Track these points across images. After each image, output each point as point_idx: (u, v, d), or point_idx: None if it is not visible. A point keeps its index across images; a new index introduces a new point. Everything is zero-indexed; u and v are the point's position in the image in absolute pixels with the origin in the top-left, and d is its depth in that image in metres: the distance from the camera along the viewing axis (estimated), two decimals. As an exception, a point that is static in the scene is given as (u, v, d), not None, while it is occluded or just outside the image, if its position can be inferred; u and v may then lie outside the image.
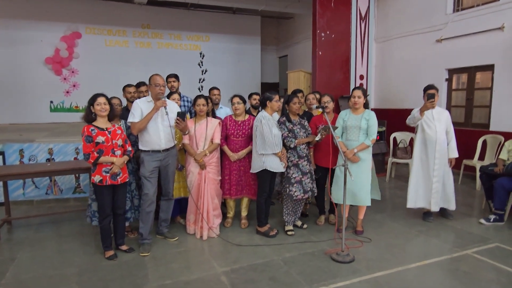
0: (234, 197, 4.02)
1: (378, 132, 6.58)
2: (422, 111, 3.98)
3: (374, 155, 6.30)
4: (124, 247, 3.45)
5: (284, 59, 11.78)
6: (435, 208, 4.12)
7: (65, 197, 5.11)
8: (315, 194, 3.90)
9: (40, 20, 9.01)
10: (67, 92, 9.56)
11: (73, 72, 9.56)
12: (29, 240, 3.79)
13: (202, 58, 10.86)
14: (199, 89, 10.76)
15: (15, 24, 8.81)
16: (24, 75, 9.02)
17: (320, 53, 7.11)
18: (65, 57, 9.37)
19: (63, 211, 4.58)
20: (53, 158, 5.10)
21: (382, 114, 7.71)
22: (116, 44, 9.87)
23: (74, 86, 9.59)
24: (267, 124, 3.60)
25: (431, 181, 4.08)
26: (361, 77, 7.70)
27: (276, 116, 4.21)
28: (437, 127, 4.04)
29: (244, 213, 4.14)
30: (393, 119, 7.37)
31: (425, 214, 4.31)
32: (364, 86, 7.72)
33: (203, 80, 10.87)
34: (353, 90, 3.80)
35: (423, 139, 4.12)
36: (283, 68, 11.64)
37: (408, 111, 7.45)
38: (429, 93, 3.92)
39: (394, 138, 6.39)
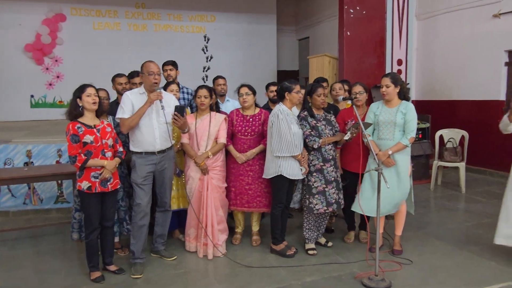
0: (240, 209, 3.99)
1: (421, 129, 6.48)
2: (510, 115, 3.41)
3: (415, 158, 6.25)
4: (112, 268, 3.45)
5: (305, 41, 11.70)
6: None
7: (45, 208, 5.19)
8: (342, 207, 3.84)
9: (18, 1, 9.18)
10: (50, 84, 9.70)
11: (56, 61, 9.70)
12: (3, 258, 3.84)
13: (207, 43, 10.87)
14: (203, 79, 10.76)
15: (-12, 6, 9.00)
16: (1, 65, 9.20)
17: (348, 33, 7.03)
18: (47, 43, 9.48)
19: (42, 224, 4.65)
20: (32, 162, 5.19)
21: (426, 108, 7.59)
22: (106, 27, 9.97)
23: (57, 77, 9.73)
24: (285, 119, 3.56)
25: None
26: (399, 62, 7.59)
27: (296, 110, 4.17)
28: None
29: (255, 227, 4.11)
30: (439, 113, 7.23)
31: None
32: (403, 73, 7.62)
33: (208, 68, 10.89)
34: (381, 78, 3.71)
35: None
36: (303, 53, 11.54)
37: (458, 103, 7.25)
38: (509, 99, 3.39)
39: (441, 137, 6.27)
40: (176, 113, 3.37)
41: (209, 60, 10.93)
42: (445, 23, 7.37)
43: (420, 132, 6.46)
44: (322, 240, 3.98)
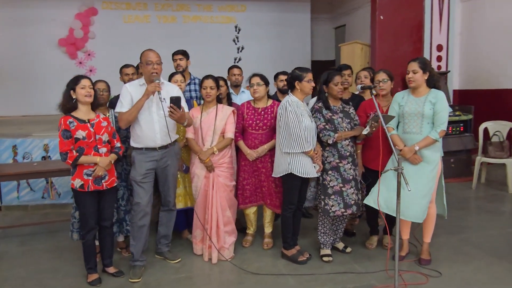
0: (250, 205, 3.70)
1: (462, 121, 5.90)
2: None
3: (455, 153, 5.70)
4: (111, 270, 3.27)
5: (341, 30, 11.14)
6: None
7: (63, 202, 5.15)
8: (362, 209, 3.45)
9: (51, -4, 9.32)
10: (84, 78, 9.83)
11: (89, 55, 9.80)
12: (9, 255, 3.78)
13: (238, 33, 10.60)
14: (234, 71, 10.54)
15: (23, 2, 9.19)
16: (36, 60, 9.38)
17: (381, 17, 6.49)
18: (80, 37, 9.58)
19: (56, 220, 4.58)
20: (49, 156, 5.15)
21: (469, 97, 6.97)
22: (136, 20, 9.95)
23: (90, 71, 9.81)
24: (295, 112, 3.20)
25: None
26: (439, 48, 6.94)
27: (312, 101, 3.82)
28: None
29: (268, 229, 3.79)
30: (483, 104, 6.57)
31: None
32: (444, 60, 6.98)
33: (240, 59, 10.61)
34: (408, 63, 3.25)
35: None
36: (340, 42, 10.95)
37: (505, 93, 6.54)
38: None
39: (485, 130, 5.67)
40: (171, 104, 3.09)
41: (240, 51, 10.66)
42: (492, 4, 6.64)
43: (461, 124, 5.94)
44: (340, 245, 3.60)
